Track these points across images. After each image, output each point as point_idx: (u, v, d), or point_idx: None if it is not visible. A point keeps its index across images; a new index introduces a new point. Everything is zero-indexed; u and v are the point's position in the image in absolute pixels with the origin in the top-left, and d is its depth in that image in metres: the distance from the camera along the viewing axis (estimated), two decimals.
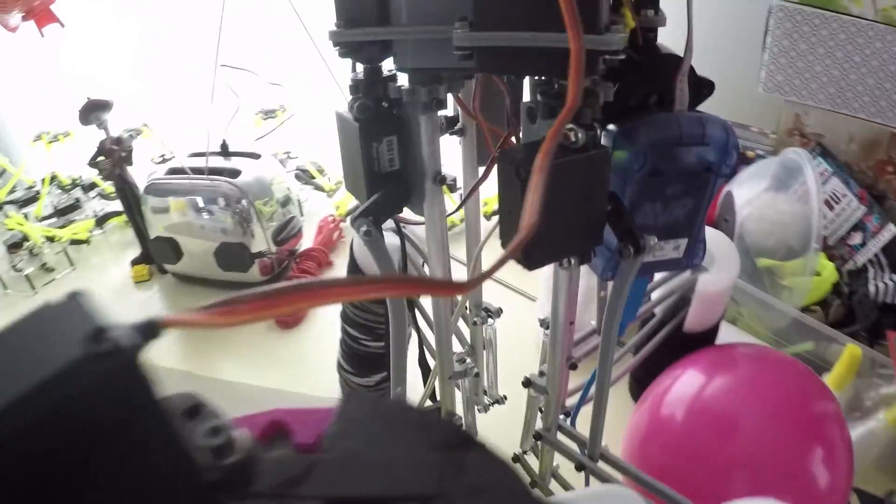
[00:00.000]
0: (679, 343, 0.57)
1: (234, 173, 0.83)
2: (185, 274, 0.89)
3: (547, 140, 0.24)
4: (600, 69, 0.26)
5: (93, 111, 0.84)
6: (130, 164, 0.86)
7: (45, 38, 0.81)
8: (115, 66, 1.11)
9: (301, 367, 0.78)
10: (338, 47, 0.34)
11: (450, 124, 0.43)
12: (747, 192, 0.81)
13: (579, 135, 0.27)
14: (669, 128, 0.34)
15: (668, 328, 0.58)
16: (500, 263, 0.21)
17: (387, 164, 0.38)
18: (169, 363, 0.77)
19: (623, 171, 0.33)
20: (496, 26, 0.27)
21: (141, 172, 0.91)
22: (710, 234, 0.63)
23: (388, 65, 0.35)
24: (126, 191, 0.86)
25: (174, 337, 0.76)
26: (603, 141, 0.33)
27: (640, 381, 0.62)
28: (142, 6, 1.14)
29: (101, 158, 0.85)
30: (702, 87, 0.38)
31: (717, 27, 1.01)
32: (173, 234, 0.84)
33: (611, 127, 0.34)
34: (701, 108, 0.37)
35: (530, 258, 0.29)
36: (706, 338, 0.59)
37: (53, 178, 1.06)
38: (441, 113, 0.37)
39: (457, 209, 0.47)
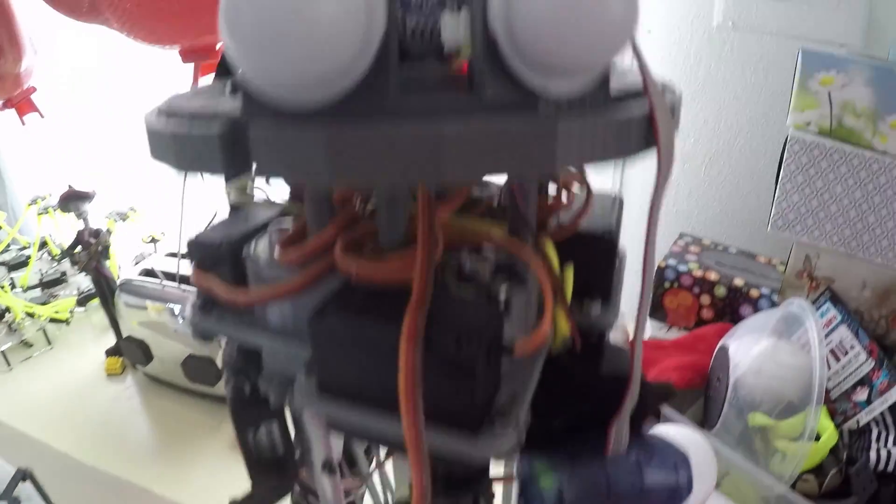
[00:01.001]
0: None
1: None
2: (156, 377, 0.87)
3: None
4: None
5: (72, 200, 0.82)
6: (108, 258, 0.84)
7: (26, 126, 0.79)
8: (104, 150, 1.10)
9: None
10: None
11: None
12: (745, 346, 0.75)
13: None
14: (596, 477, 0.29)
15: None
16: None
17: (267, 449, 0.34)
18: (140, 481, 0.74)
19: None
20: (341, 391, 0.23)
21: (130, 251, 0.90)
22: (686, 437, 0.57)
23: None
24: (102, 284, 0.84)
25: (142, 454, 0.74)
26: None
27: None
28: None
29: (78, 249, 0.83)
30: (657, 399, 0.33)
31: (733, 148, 0.96)
32: (145, 336, 0.82)
33: None
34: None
35: None
36: None
37: (44, 244, 1.05)
38: None
39: None
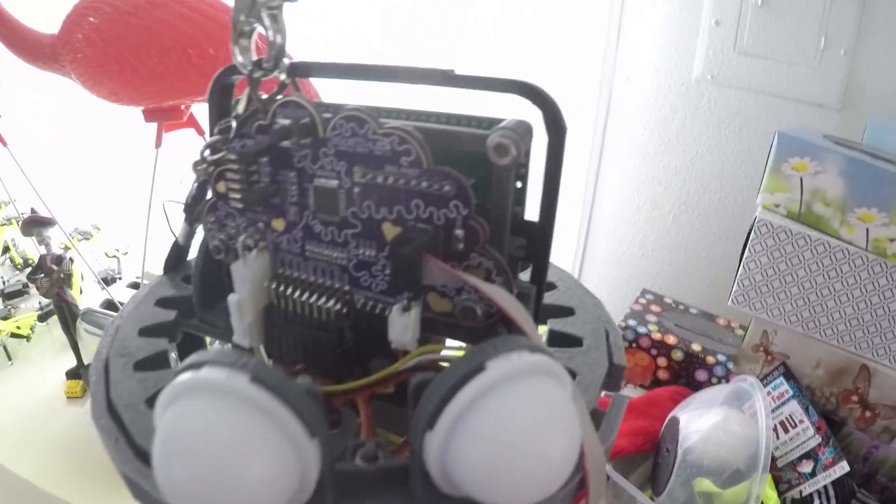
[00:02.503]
0: None
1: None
2: None
3: None
4: None
5: (34, 226, 0.81)
6: (70, 286, 0.83)
7: None
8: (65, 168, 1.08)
9: None
10: None
11: None
12: (696, 417, 0.77)
13: None
14: None
15: None
16: None
17: None
18: None
19: None
20: None
21: (94, 267, 0.89)
22: None
23: None
24: (63, 309, 0.83)
25: (103, 482, 0.73)
26: None
27: None
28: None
29: (40, 275, 0.82)
30: None
31: (702, 201, 0.97)
32: None
33: None
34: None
35: None
36: None
37: (6, 250, 1.03)
38: None
39: None
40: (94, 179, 1.16)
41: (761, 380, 0.76)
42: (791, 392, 0.77)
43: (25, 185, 0.85)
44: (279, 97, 0.24)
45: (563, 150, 0.22)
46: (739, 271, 0.75)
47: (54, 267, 0.81)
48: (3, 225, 0.99)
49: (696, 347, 0.83)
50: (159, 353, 0.25)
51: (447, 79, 0.22)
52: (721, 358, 0.82)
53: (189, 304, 0.28)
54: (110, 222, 1.05)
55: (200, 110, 0.69)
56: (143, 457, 0.20)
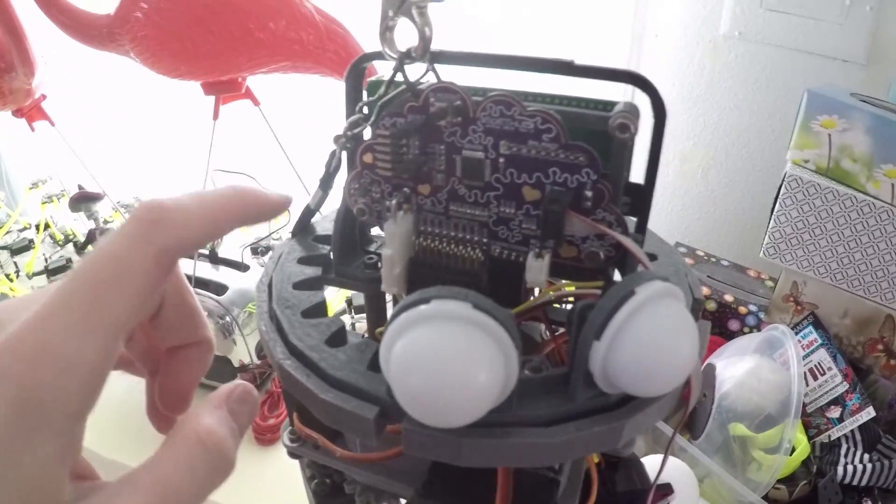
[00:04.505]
0: None
1: (221, 289, 0.86)
2: None
3: None
4: None
5: (82, 202, 0.87)
6: None
7: (36, 132, 0.83)
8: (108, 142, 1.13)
9: (276, 490, 0.83)
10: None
11: None
12: (731, 365, 0.84)
13: None
14: None
15: None
16: None
17: None
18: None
19: None
20: None
21: None
22: (672, 464, 0.67)
23: None
24: None
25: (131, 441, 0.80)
26: None
27: None
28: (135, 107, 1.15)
29: (90, 248, 0.88)
30: (658, 497, 0.41)
31: (730, 155, 1.02)
32: None
33: None
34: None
35: None
36: None
37: (47, 226, 1.09)
38: None
39: None
40: (134, 153, 1.21)
41: (791, 329, 0.83)
42: (820, 341, 0.84)
43: (67, 163, 0.90)
44: (422, 83, 0.30)
45: (664, 128, 0.28)
46: (770, 224, 0.81)
47: None
48: (44, 202, 1.05)
49: (728, 298, 0.90)
50: (318, 303, 0.31)
51: (570, 68, 0.28)
52: (752, 308, 0.88)
53: (324, 261, 0.35)
54: (149, 196, 1.11)
55: (254, 82, 0.75)
56: (338, 385, 0.26)
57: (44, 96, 0.84)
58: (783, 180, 0.80)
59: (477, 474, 0.29)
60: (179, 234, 0.23)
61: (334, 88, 0.75)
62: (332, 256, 0.34)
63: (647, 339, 0.22)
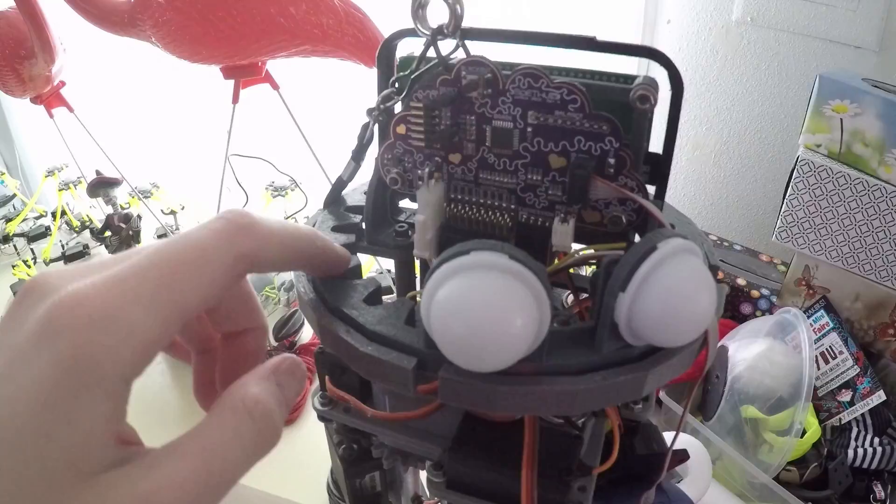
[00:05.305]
0: None
1: None
2: None
3: None
4: None
5: (101, 187, 0.89)
6: (139, 242, 0.92)
7: (55, 118, 0.85)
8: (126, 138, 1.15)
9: (292, 470, 0.85)
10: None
11: None
12: (743, 347, 0.86)
13: None
14: None
15: None
16: None
17: (369, 489, 0.44)
18: None
19: None
20: (466, 489, 0.32)
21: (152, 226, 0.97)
22: (683, 440, 0.69)
23: None
24: None
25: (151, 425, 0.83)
26: None
27: None
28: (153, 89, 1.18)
29: (108, 234, 0.90)
30: (675, 462, 0.43)
31: (743, 141, 1.04)
32: None
33: None
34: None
35: None
36: None
37: (63, 213, 1.11)
38: None
39: None
40: (149, 139, 1.23)
41: (803, 312, 0.84)
42: (831, 324, 0.86)
43: (83, 149, 0.93)
44: (452, 58, 0.32)
45: (682, 100, 0.30)
46: (783, 208, 0.83)
47: (122, 225, 0.89)
48: (61, 190, 1.07)
49: (740, 282, 0.92)
50: (354, 267, 0.33)
51: (592, 44, 0.30)
52: (765, 292, 0.90)
53: (356, 230, 0.37)
54: (164, 180, 1.13)
55: (273, 66, 0.77)
56: (377, 339, 0.28)
57: (62, 83, 0.87)
58: (795, 165, 0.82)
59: (503, 434, 0.32)
60: (260, 247, 0.24)
61: (350, 72, 0.77)
62: (363, 225, 0.36)
63: (669, 289, 0.24)
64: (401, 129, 0.33)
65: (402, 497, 0.43)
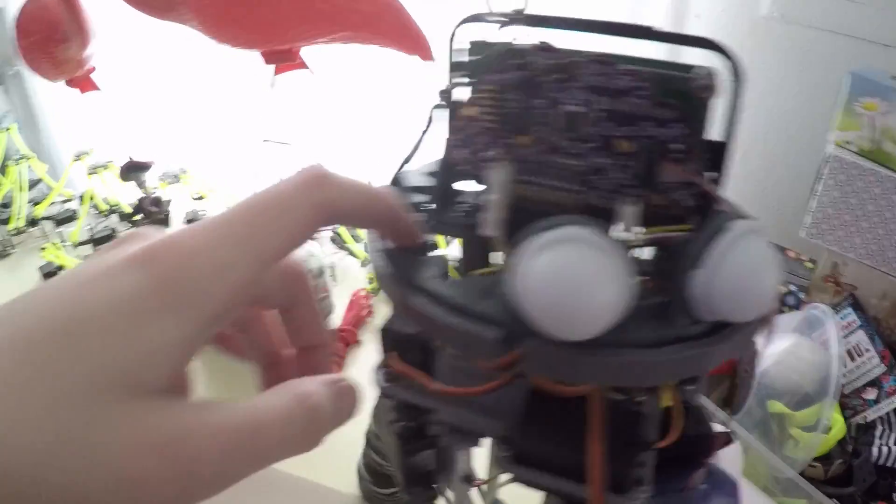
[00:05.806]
0: None
1: None
2: None
3: None
4: None
5: (133, 171, 0.91)
6: (168, 226, 0.94)
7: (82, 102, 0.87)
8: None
9: (322, 455, 0.86)
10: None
11: None
12: (771, 342, 0.87)
13: None
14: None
15: None
16: None
17: (422, 468, 0.46)
18: None
19: None
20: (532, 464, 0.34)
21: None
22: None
23: None
24: None
25: None
26: None
27: None
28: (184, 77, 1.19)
29: (139, 217, 0.92)
30: (720, 444, 0.44)
31: (769, 138, 1.05)
32: None
33: None
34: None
35: None
36: None
37: (91, 197, 1.12)
38: None
39: None
40: (179, 124, 1.25)
41: (831, 309, 0.86)
42: (858, 322, 0.87)
43: (113, 133, 0.94)
44: (519, 43, 0.33)
45: (743, 90, 0.32)
46: (812, 205, 0.84)
47: (153, 209, 0.91)
48: (90, 174, 1.09)
49: None
50: (426, 243, 0.34)
51: (650, 33, 0.32)
52: (793, 288, 0.92)
53: (418, 209, 0.38)
54: (192, 165, 1.15)
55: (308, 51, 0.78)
56: (459, 311, 0.29)
57: (93, 68, 0.88)
58: (826, 161, 0.83)
59: (568, 410, 0.33)
60: (338, 196, 0.26)
61: (384, 60, 0.78)
62: (429, 206, 0.38)
63: (744, 265, 0.26)
64: (471, 112, 0.34)
65: (453, 476, 0.45)
